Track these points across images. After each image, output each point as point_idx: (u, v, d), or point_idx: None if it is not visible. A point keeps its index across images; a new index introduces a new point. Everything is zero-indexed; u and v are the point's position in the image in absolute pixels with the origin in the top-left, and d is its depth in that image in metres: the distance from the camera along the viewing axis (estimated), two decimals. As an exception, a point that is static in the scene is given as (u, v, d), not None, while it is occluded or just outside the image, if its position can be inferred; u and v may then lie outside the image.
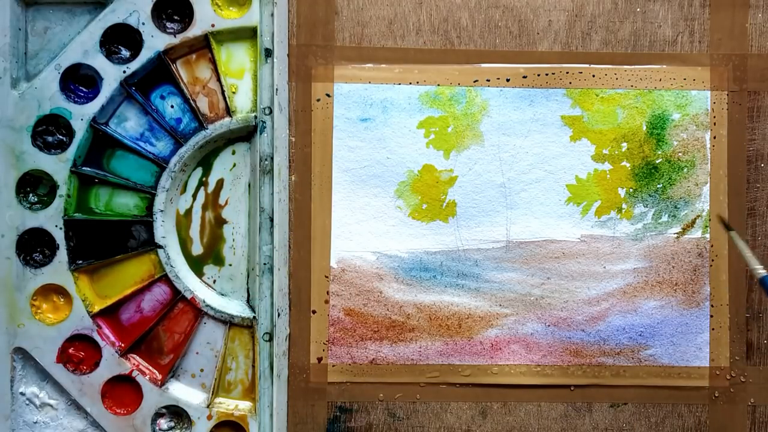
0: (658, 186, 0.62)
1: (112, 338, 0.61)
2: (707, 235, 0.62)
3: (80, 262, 0.60)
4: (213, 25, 0.60)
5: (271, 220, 0.60)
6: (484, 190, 0.62)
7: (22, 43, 0.60)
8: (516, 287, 0.62)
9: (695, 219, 0.62)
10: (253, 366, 0.61)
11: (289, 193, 0.61)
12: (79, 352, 0.61)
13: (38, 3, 0.60)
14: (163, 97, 0.61)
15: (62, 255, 0.60)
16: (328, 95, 0.61)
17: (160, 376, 0.61)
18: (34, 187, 0.61)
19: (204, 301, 0.61)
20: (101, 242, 0.61)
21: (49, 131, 0.60)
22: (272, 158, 0.60)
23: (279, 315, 0.60)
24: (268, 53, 0.60)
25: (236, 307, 0.61)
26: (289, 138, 0.61)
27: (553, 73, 0.62)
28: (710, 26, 0.62)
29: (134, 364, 0.61)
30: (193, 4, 0.59)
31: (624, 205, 0.62)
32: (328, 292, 0.62)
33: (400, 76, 0.61)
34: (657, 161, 0.62)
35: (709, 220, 0.62)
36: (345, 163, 0.62)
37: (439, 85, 0.61)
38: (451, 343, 0.62)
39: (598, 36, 0.62)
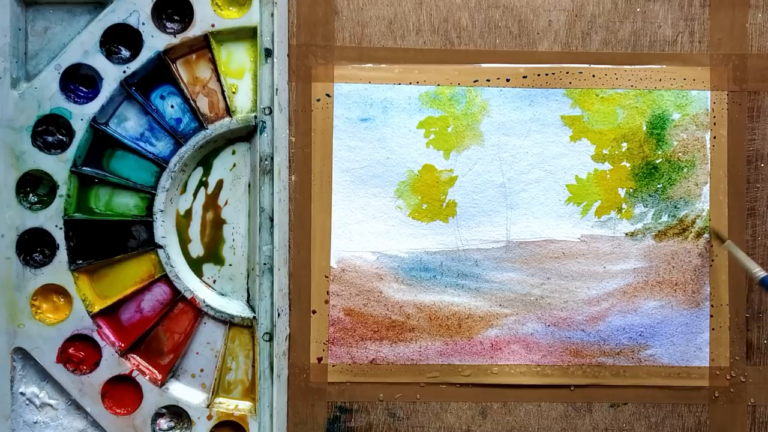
0: (658, 186, 0.62)
1: (112, 338, 0.61)
2: (707, 235, 0.62)
3: (80, 262, 0.60)
4: (213, 25, 0.60)
5: (271, 220, 0.60)
6: (484, 190, 0.62)
7: (22, 43, 0.60)
8: (516, 287, 0.62)
9: (695, 219, 0.62)
10: (253, 366, 0.61)
11: (289, 193, 0.61)
12: (79, 352, 0.61)
13: (38, 3, 0.60)
14: (163, 97, 0.61)
15: (62, 255, 0.60)
16: (328, 95, 0.61)
17: (160, 376, 0.61)
18: (34, 187, 0.61)
19: (204, 301, 0.61)
20: (101, 242, 0.61)
21: (49, 131, 0.60)
22: (272, 158, 0.60)
23: (279, 315, 0.60)
24: (268, 53, 0.60)
25: (236, 307, 0.61)
26: (289, 138, 0.61)
27: (553, 73, 0.62)
28: (710, 26, 0.62)
29: (134, 364, 0.61)
30: (193, 4, 0.59)
31: (624, 205, 0.62)
32: (328, 292, 0.62)
33: (400, 76, 0.61)
34: (657, 161, 0.62)
35: (709, 220, 0.62)
36: (345, 163, 0.62)
37: (439, 85, 0.62)
38: (451, 343, 0.62)
39: (598, 36, 0.62)
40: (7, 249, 0.60)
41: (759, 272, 0.55)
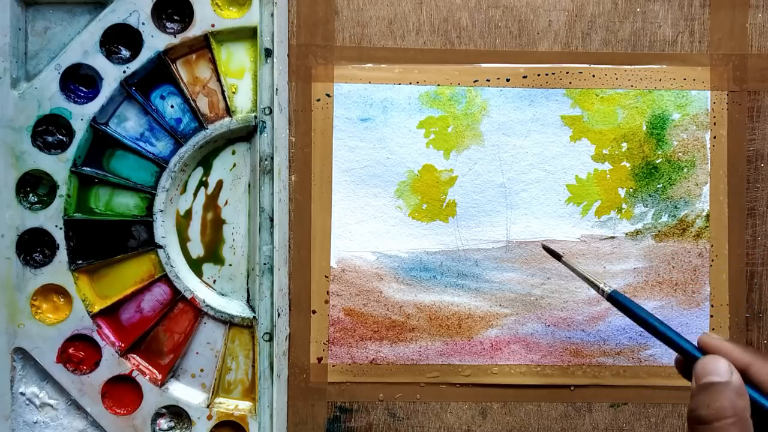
0: (658, 186, 0.62)
1: (112, 338, 0.61)
2: (707, 235, 0.62)
3: (80, 262, 0.60)
4: (213, 25, 0.60)
5: (271, 220, 0.60)
6: (484, 190, 0.62)
7: (22, 43, 0.60)
8: (516, 287, 0.62)
9: (695, 219, 0.62)
10: (253, 366, 0.61)
11: (289, 193, 0.61)
12: (79, 352, 0.61)
13: (38, 3, 0.60)
14: (163, 97, 0.61)
15: (62, 255, 0.60)
16: (328, 95, 0.61)
17: (160, 376, 0.61)
18: (34, 187, 0.61)
19: (204, 301, 0.61)
20: (101, 242, 0.61)
21: (49, 131, 0.60)
22: (272, 158, 0.60)
23: (279, 315, 0.60)
24: (268, 53, 0.60)
25: (236, 307, 0.61)
26: (289, 138, 0.61)
27: (553, 73, 0.62)
28: (710, 26, 0.62)
29: (134, 364, 0.61)
30: (193, 4, 0.59)
31: (624, 205, 0.62)
32: (328, 292, 0.62)
33: (400, 76, 0.61)
34: (657, 161, 0.62)
35: (707, 219, 0.62)
36: (345, 163, 0.62)
37: (439, 85, 0.61)
38: (451, 343, 0.62)
39: (598, 36, 0.62)
40: (7, 249, 0.60)
41: (606, 287, 0.50)
